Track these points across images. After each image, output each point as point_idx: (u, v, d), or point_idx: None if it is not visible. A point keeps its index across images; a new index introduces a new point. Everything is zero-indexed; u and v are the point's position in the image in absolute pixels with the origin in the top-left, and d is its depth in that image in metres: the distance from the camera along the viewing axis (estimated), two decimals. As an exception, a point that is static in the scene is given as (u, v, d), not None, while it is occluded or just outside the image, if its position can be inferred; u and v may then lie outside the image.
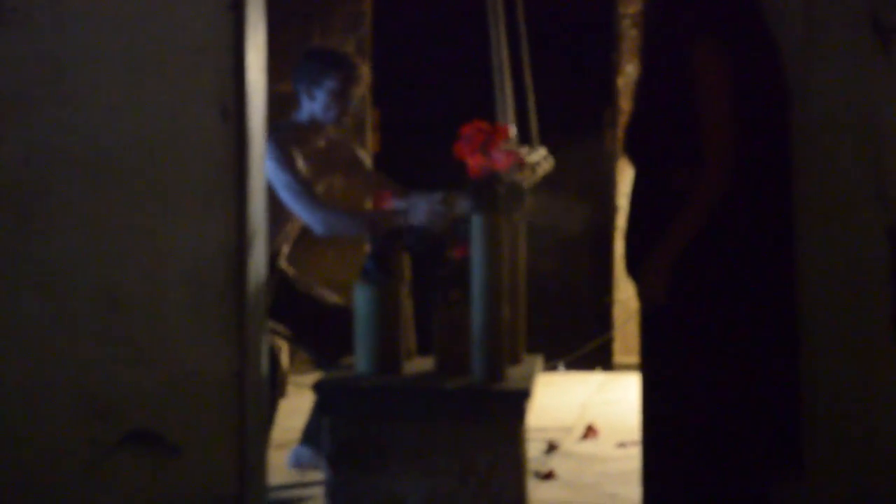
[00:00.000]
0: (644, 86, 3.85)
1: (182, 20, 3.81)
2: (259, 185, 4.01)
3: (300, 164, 5.32)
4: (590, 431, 6.32)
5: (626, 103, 8.04)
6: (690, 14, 3.73)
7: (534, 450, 5.70)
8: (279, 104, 7.16)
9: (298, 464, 5.46)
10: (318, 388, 4.50)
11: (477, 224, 4.45)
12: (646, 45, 3.91)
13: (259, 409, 4.03)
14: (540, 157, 5.51)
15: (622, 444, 6.04)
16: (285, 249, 5.45)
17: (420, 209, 5.16)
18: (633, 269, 3.83)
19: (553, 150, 5.85)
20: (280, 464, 5.52)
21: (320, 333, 5.31)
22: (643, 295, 3.78)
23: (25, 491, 3.86)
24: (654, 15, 3.84)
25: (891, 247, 3.64)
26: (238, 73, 3.82)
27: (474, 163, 4.61)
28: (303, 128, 5.44)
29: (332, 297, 5.44)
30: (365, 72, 5.51)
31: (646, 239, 3.76)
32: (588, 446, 6.13)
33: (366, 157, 5.74)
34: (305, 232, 5.51)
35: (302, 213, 5.29)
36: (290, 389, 7.42)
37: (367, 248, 4.91)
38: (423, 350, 4.99)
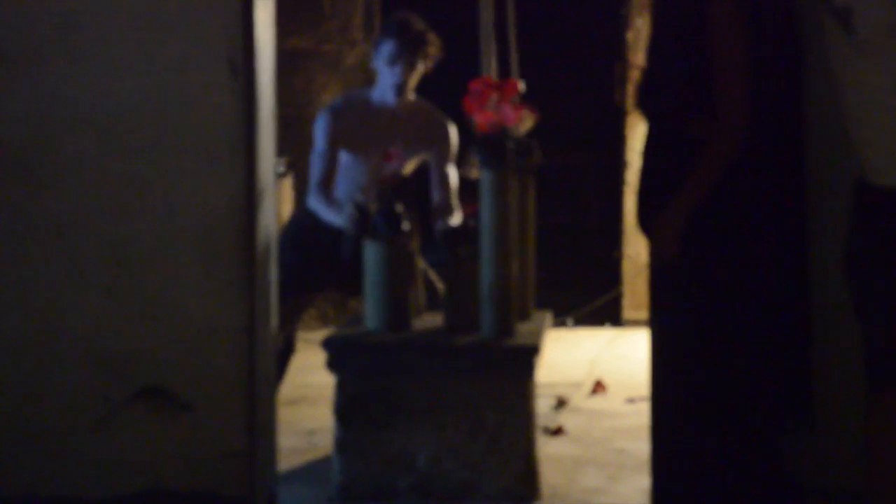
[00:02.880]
0: (658, 40, 3.84)
1: (190, -25, 3.80)
2: (268, 141, 4.00)
3: (336, 133, 5.22)
4: (599, 387, 6.33)
5: (635, 58, 8.01)
6: None
7: (543, 406, 5.71)
8: (287, 61, 7.15)
9: None
10: (327, 344, 4.51)
11: (486, 180, 4.44)
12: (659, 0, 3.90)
13: (268, 366, 4.04)
14: (523, 115, 5.48)
15: (631, 400, 6.05)
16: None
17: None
18: (644, 223, 3.82)
19: (563, 106, 5.83)
20: (291, 420, 5.54)
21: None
22: (655, 248, 3.77)
23: (39, 446, 3.87)
24: None
25: (854, 199, 3.64)
26: (247, 30, 3.81)
27: (483, 119, 4.60)
28: (366, 99, 5.30)
29: None
30: (436, 45, 5.25)
31: (658, 192, 3.75)
32: (597, 402, 6.14)
33: (442, 143, 5.40)
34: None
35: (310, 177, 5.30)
36: (300, 346, 7.43)
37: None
38: (433, 306, 4.99)
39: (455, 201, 5.34)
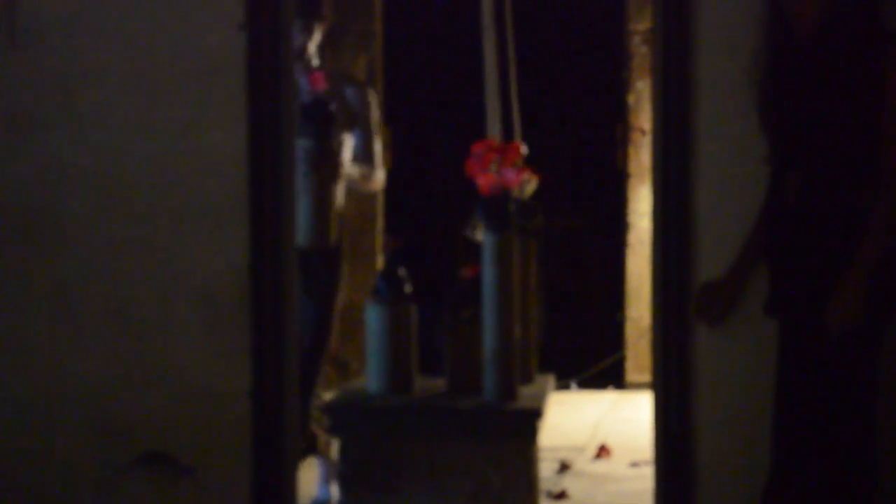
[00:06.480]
0: (816, 99, 3.56)
1: (193, 41, 3.82)
2: (278, 203, 3.98)
3: None
4: (602, 451, 6.30)
5: (636, 120, 8.03)
6: (879, 22, 3.53)
7: (546, 469, 5.68)
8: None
9: None
10: (329, 408, 4.50)
11: (489, 242, 4.44)
12: (816, 51, 3.57)
13: (282, 429, 3.97)
14: (524, 179, 5.45)
15: (635, 464, 6.02)
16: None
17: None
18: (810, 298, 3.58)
19: (565, 168, 5.85)
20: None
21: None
22: (843, 318, 3.52)
23: (38, 511, 3.86)
24: (832, 19, 3.55)
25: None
26: (252, 92, 3.83)
27: (485, 181, 4.61)
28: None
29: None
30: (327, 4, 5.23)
31: (825, 263, 3.55)
32: (601, 466, 6.12)
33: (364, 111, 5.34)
34: None
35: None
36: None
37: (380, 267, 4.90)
38: (430, 369, 4.97)
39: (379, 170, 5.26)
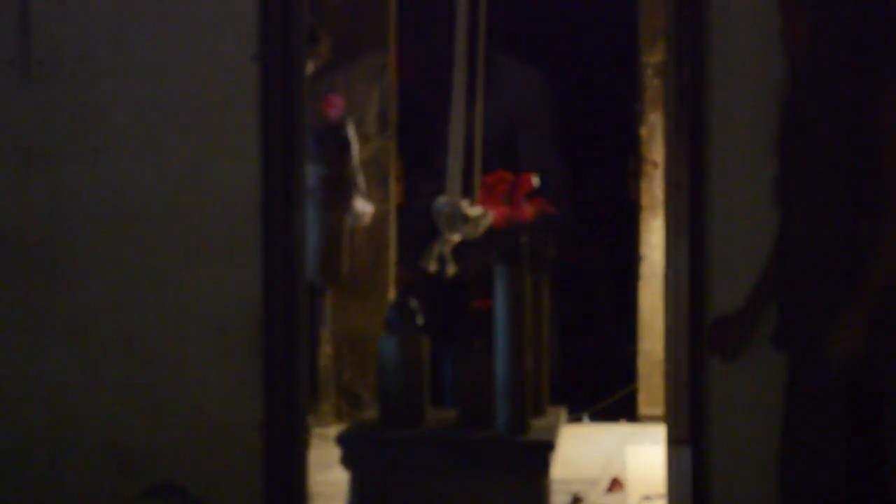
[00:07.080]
0: (821, 125, 3.60)
1: (206, 73, 3.82)
2: (290, 235, 3.98)
3: None
4: (615, 484, 6.27)
5: (649, 153, 8.03)
6: (880, 50, 3.55)
7: (558, 502, 5.66)
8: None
9: None
10: (341, 439, 4.49)
11: (501, 275, 4.44)
12: (818, 78, 3.62)
13: (291, 461, 3.98)
14: (480, 213, 5.44)
15: (648, 497, 6.00)
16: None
17: None
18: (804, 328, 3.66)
19: (578, 200, 5.84)
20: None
21: None
22: (844, 350, 3.55)
23: (48, 543, 3.85)
24: (828, 47, 3.59)
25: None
26: (264, 126, 3.83)
27: (497, 213, 4.61)
28: None
29: None
30: (324, 43, 5.21)
31: (830, 295, 3.58)
32: (613, 499, 6.09)
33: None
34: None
35: None
36: (314, 441, 7.39)
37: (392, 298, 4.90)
38: (440, 400, 4.96)
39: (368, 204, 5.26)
